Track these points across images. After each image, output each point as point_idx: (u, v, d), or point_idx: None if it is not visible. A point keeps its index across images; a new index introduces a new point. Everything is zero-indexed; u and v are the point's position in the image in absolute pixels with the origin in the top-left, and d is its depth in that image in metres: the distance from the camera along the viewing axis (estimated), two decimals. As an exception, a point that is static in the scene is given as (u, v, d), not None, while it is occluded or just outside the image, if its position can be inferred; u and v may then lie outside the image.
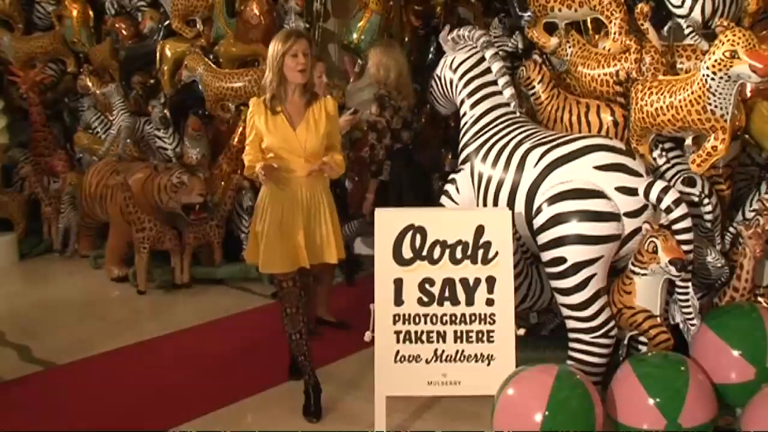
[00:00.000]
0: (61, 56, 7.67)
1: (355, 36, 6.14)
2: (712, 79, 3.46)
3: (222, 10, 6.19)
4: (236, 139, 6.05)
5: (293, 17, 5.98)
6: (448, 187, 4.37)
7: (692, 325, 3.60)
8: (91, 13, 7.47)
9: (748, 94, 3.81)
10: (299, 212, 3.66)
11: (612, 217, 3.58)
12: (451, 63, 4.58)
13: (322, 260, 3.74)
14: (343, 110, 5.02)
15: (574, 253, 3.57)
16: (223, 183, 6.13)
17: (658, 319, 3.61)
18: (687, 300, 3.58)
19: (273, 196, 3.68)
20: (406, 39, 6.72)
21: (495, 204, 3.97)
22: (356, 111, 5.04)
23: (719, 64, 3.41)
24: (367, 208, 4.98)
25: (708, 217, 3.83)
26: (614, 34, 4.07)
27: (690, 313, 3.60)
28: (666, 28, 4.09)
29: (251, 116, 3.68)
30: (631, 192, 3.60)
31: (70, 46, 7.55)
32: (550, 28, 4.54)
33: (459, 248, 3.58)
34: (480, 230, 3.58)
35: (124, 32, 7.11)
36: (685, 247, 3.49)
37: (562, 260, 3.60)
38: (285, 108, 3.66)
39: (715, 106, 3.50)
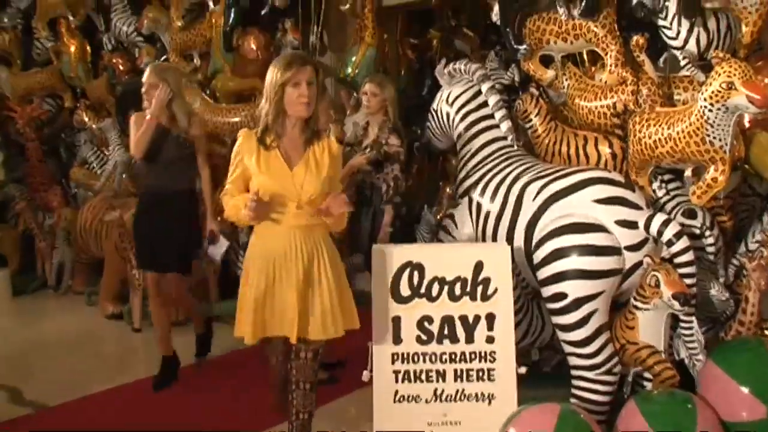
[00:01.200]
0: (59, 91, 7.68)
1: (350, 70, 6.15)
2: (710, 110, 3.44)
3: (219, 44, 6.18)
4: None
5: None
6: (447, 222, 4.34)
7: (698, 360, 3.53)
8: (88, 48, 7.50)
9: (747, 125, 3.78)
10: (294, 270, 3.06)
11: (612, 251, 3.55)
12: (448, 97, 4.59)
13: (322, 335, 3.13)
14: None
15: (574, 288, 3.54)
16: (218, 218, 6.03)
17: (663, 354, 3.56)
18: (691, 335, 3.52)
19: (262, 249, 3.11)
20: (402, 72, 6.74)
21: (494, 239, 3.94)
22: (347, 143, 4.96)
23: (716, 95, 3.40)
24: (384, 240, 4.90)
25: (710, 249, 3.79)
26: (610, 66, 4.06)
27: (695, 348, 3.53)
28: (662, 60, 4.08)
29: (238, 152, 3.10)
30: (632, 225, 3.56)
31: (67, 81, 7.57)
32: (547, 61, 4.53)
33: (458, 285, 3.51)
34: (479, 266, 3.52)
35: (121, 67, 7.13)
36: (688, 281, 3.45)
37: (562, 296, 3.57)
38: (281, 143, 3.09)
39: (714, 138, 3.48)
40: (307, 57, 3.20)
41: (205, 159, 4.74)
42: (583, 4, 4.09)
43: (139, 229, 4.66)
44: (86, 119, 7.09)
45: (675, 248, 3.46)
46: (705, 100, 3.45)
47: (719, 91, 3.38)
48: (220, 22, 6.10)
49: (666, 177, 4.01)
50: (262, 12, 6.11)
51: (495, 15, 4.68)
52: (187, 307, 5.10)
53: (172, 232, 4.45)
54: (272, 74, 3.04)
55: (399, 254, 3.55)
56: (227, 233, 5.25)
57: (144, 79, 4.51)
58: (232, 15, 6.02)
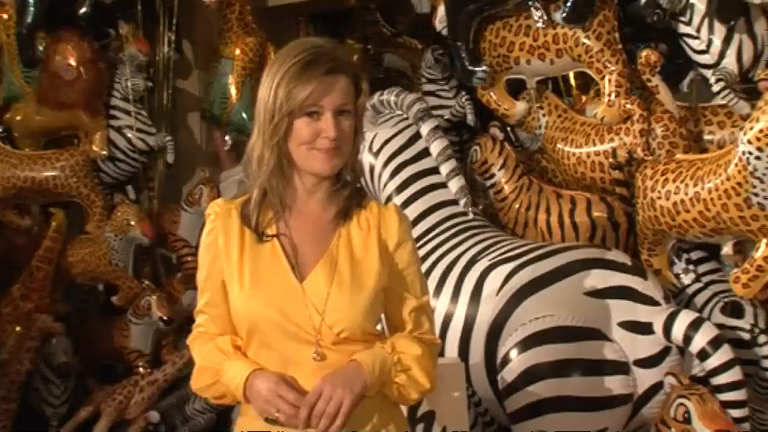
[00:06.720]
0: None
1: (227, 98, 6.14)
2: (757, 157, 3.49)
3: (15, 55, 5.98)
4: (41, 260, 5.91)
5: (130, 71, 5.93)
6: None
7: None
8: None
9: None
10: None
11: (616, 367, 3.54)
12: (372, 143, 4.65)
13: None
14: None
15: (561, 425, 3.51)
16: (17, 328, 5.84)
17: None
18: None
19: None
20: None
21: (440, 353, 3.86)
22: None
23: (767, 136, 3.44)
24: None
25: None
26: (609, 95, 4.13)
27: None
28: (686, 82, 4.21)
29: (210, 244, 2.50)
30: (644, 329, 3.57)
31: None
32: (515, 88, 4.64)
33: (385, 425, 3.44)
34: (416, 393, 3.47)
35: None
36: (735, 413, 3.42)
37: (544, 436, 3.57)
38: (284, 225, 2.46)
39: (765, 198, 3.52)
40: (337, 52, 2.47)
41: None
42: (568, 4, 4.19)
43: None
44: None
45: (712, 362, 3.45)
46: (749, 142, 3.49)
47: (771, 129, 3.46)
48: (12, 18, 5.89)
49: (694, 256, 4.07)
50: (81, 10, 5.82)
51: (440, 21, 4.79)
52: None
53: None
54: (270, 88, 2.36)
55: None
56: None
57: None
58: (32, 9, 5.73)
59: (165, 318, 5.65)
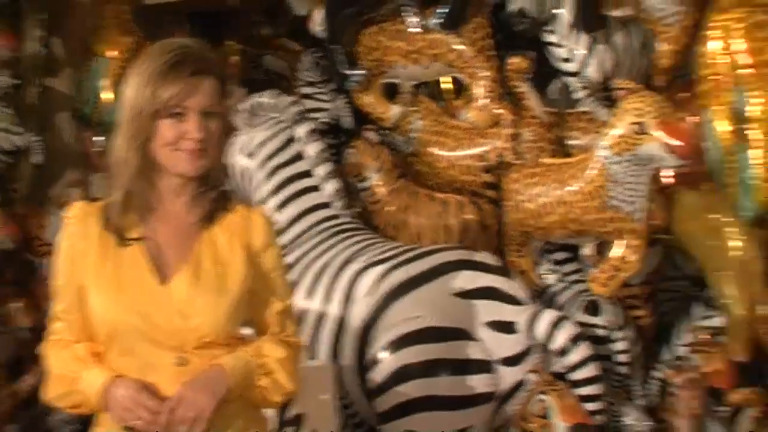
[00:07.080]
0: None
1: (100, 98, 6.03)
2: (614, 162, 3.65)
3: None
4: None
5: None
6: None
7: None
8: None
9: (666, 182, 4.00)
10: None
11: (481, 366, 3.61)
12: (247, 145, 4.64)
13: None
14: None
15: (428, 424, 3.56)
16: None
17: None
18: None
19: None
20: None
21: (310, 354, 3.92)
22: None
23: (622, 142, 3.61)
24: None
25: (622, 358, 3.93)
26: (479, 99, 4.24)
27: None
28: (554, 89, 4.34)
29: (68, 248, 2.44)
30: (508, 328, 3.64)
31: None
32: (392, 91, 4.69)
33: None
34: (285, 396, 3.48)
35: None
36: (591, 406, 3.52)
37: (410, 437, 3.60)
38: (149, 228, 2.41)
39: (621, 201, 3.68)
40: (204, 53, 2.45)
41: None
42: (443, 10, 4.29)
43: None
44: None
45: (571, 359, 3.56)
46: (607, 148, 3.66)
47: (626, 136, 3.60)
48: None
49: (559, 257, 4.18)
50: None
51: (318, 24, 4.83)
52: None
53: None
54: (135, 88, 2.34)
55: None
56: None
57: None
58: None
59: (29, 326, 5.55)
